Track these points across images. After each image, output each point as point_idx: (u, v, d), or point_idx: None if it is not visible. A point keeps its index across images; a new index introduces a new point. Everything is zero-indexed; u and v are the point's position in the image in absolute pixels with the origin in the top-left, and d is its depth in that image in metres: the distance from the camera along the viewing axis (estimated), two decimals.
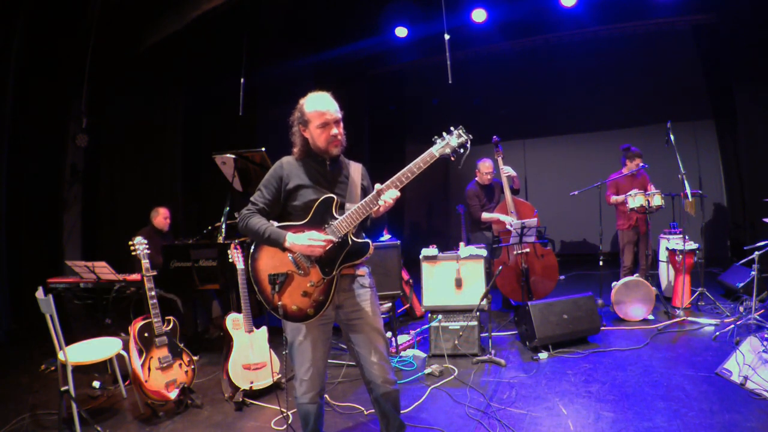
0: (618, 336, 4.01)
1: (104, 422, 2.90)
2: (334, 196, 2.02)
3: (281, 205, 2.09)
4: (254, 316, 3.25)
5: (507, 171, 4.90)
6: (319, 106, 2.03)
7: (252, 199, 2.08)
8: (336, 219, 1.98)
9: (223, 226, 4.10)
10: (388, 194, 1.92)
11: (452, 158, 1.99)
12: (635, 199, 4.65)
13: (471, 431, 2.60)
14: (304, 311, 2.00)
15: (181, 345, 3.13)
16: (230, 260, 3.36)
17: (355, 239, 2.00)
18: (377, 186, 1.95)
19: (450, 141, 1.98)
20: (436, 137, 2.00)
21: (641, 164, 4.99)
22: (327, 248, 1.94)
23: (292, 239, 1.93)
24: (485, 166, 5.07)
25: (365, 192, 2.14)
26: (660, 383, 3.00)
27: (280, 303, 1.99)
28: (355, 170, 2.17)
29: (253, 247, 2.08)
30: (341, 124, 2.08)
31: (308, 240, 1.91)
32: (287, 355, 2.16)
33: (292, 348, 2.09)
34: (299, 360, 2.07)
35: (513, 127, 8.32)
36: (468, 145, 2.00)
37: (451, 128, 2.00)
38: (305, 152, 2.10)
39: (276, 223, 2.03)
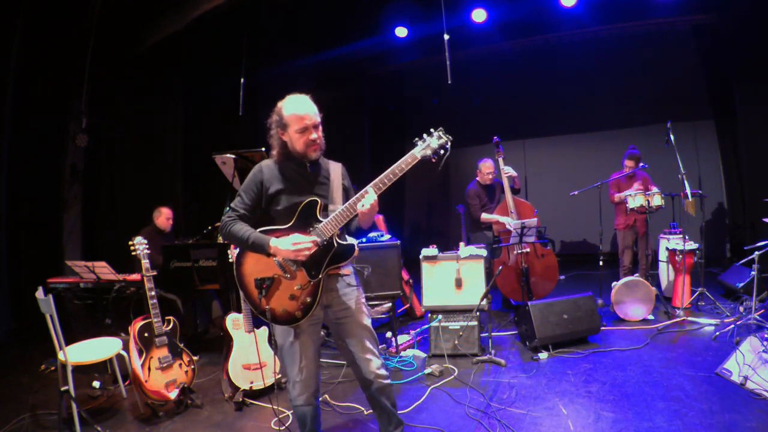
0: (618, 336, 4.01)
1: (104, 422, 2.90)
2: (318, 199, 2.00)
3: (263, 210, 2.06)
4: (254, 316, 3.25)
5: (507, 171, 4.92)
6: (298, 110, 1.99)
7: (232, 205, 2.05)
8: (320, 222, 1.97)
9: None
10: (367, 199, 1.91)
11: (433, 159, 1.97)
12: (635, 199, 4.65)
13: (471, 431, 2.60)
14: (292, 314, 1.99)
15: (181, 345, 3.14)
16: (230, 260, 3.36)
17: (340, 241, 2.00)
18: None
19: (431, 143, 1.96)
20: (416, 139, 1.98)
21: (634, 167, 4.99)
22: (312, 251, 1.93)
23: (275, 244, 1.91)
24: (486, 166, 5.09)
25: (346, 192, 2.13)
26: (660, 383, 3.00)
27: (267, 307, 1.98)
28: (335, 170, 2.15)
29: (237, 252, 2.06)
30: (320, 128, 2.04)
31: (292, 245, 1.89)
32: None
33: (282, 351, 2.08)
34: (291, 362, 2.06)
35: (513, 127, 8.31)
36: (448, 147, 1.98)
37: (431, 130, 1.99)
38: (284, 155, 2.07)
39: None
